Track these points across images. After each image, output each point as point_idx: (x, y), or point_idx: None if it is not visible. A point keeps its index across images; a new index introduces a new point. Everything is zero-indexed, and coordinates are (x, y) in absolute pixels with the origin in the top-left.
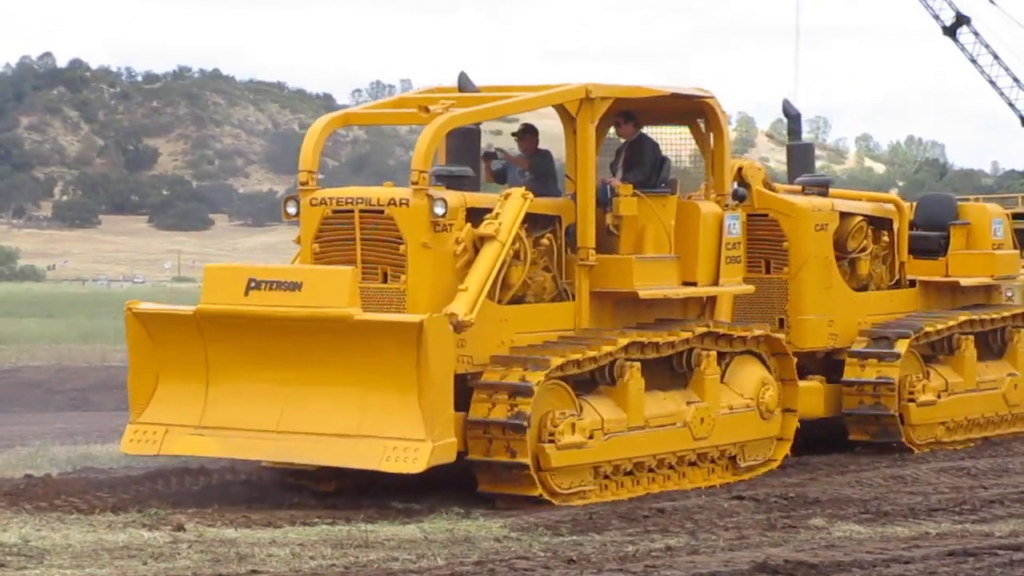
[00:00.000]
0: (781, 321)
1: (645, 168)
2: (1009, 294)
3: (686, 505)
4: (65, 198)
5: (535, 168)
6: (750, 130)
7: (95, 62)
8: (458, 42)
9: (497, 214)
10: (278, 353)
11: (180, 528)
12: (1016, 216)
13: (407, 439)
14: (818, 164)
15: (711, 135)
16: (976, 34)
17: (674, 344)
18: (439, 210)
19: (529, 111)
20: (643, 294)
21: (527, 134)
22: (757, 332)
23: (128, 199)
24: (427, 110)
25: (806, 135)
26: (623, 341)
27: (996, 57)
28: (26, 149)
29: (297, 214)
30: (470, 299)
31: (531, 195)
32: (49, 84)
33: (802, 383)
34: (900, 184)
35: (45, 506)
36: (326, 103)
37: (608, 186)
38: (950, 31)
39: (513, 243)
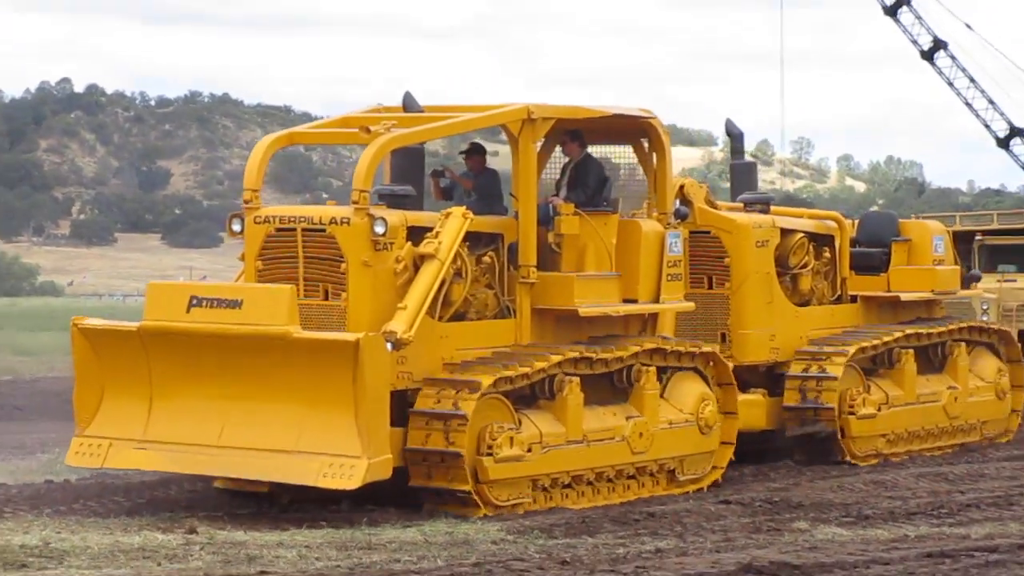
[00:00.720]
0: (723, 336)
1: (589, 188)
2: (985, 307)
3: (675, 509)
4: (82, 217)
5: (480, 187)
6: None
7: (110, 87)
8: (456, 66)
9: (437, 233)
10: (219, 369)
11: (192, 531)
12: (988, 232)
13: (343, 455)
14: (799, 184)
15: (654, 155)
16: (953, 58)
17: (611, 361)
18: (379, 229)
19: (470, 131)
20: (583, 312)
21: (474, 153)
22: (692, 348)
23: (142, 218)
24: (368, 130)
25: (789, 154)
26: (555, 358)
27: (972, 80)
28: (45, 170)
29: (242, 231)
30: (409, 317)
31: (471, 214)
32: (67, 108)
33: (744, 396)
34: (880, 202)
35: (64, 510)
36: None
37: (551, 205)
38: (928, 55)
39: (454, 261)
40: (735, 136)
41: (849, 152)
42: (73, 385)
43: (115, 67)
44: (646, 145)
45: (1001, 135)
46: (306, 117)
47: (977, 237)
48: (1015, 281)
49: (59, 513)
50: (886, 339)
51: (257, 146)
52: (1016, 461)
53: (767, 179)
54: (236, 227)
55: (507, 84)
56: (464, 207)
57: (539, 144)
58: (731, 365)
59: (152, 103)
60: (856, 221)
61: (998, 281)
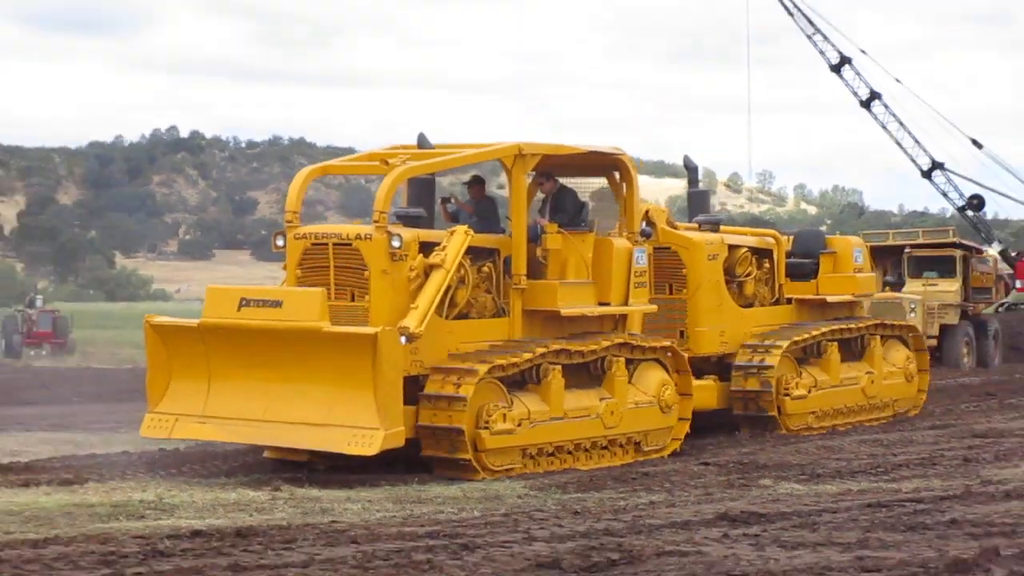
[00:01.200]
0: (682, 332)
1: (568, 212)
2: (912, 306)
3: (664, 470)
4: (187, 237)
5: (480, 211)
6: (712, 181)
7: (209, 132)
8: (486, 113)
9: (444, 247)
10: (264, 357)
11: (277, 489)
12: (915, 246)
13: (364, 427)
14: (763, 208)
15: (624, 184)
16: (886, 106)
17: (587, 353)
18: (396, 243)
19: (471, 164)
20: (564, 312)
21: (475, 183)
22: (654, 343)
23: (235, 238)
24: (387, 163)
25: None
26: (540, 350)
27: (901, 124)
28: (157, 200)
29: (284, 246)
30: (419, 315)
31: (472, 232)
32: (174, 150)
33: (699, 382)
34: (828, 222)
35: (174, 472)
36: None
37: (539, 225)
38: (865, 104)
39: (458, 270)
40: (691, 169)
41: (803, 181)
42: (146, 371)
43: (213, 117)
44: (617, 177)
45: (925, 168)
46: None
47: (906, 250)
48: (936, 285)
49: (170, 475)
50: (814, 333)
51: (297, 176)
52: (939, 430)
53: (737, 204)
54: (280, 242)
55: (529, 128)
56: (466, 226)
57: (531, 176)
58: (688, 356)
59: (243, 145)
60: (791, 237)
61: (923, 285)
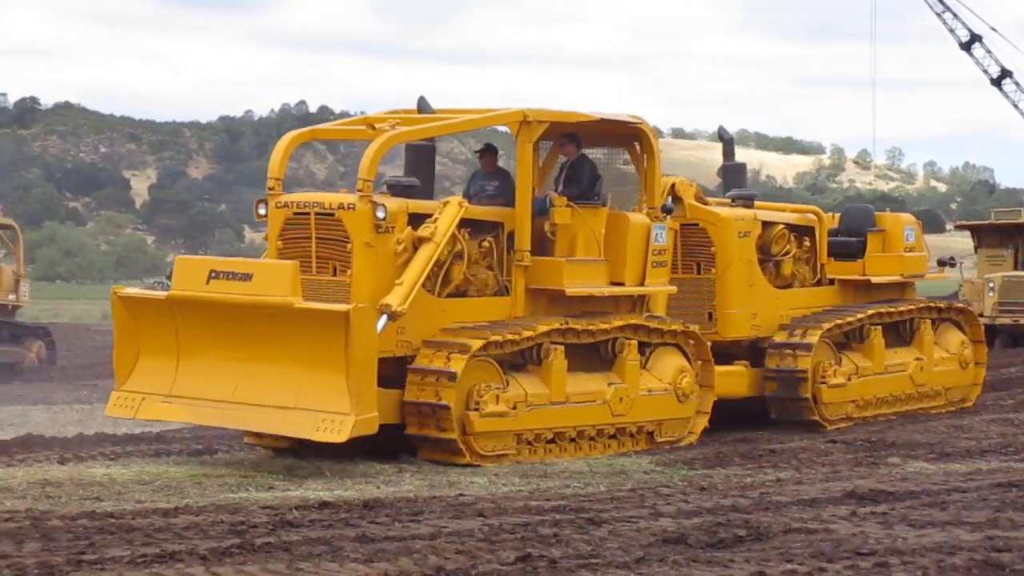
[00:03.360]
0: (710, 314)
1: (582, 184)
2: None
3: (791, 447)
4: None
5: (501, 186)
6: (840, 158)
7: (337, 107)
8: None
9: (436, 219)
10: (234, 334)
11: (405, 461)
12: None
13: (334, 412)
14: (892, 185)
15: (644, 156)
16: (1017, 84)
17: (592, 332)
18: (380, 214)
19: (467, 131)
20: (569, 291)
21: (487, 153)
22: (672, 326)
23: None
24: (373, 127)
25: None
26: (540, 328)
27: None
28: (287, 175)
29: (266, 215)
30: (404, 292)
31: (466, 203)
32: (302, 124)
33: (727, 367)
34: (958, 200)
35: (303, 443)
36: (511, 139)
37: (548, 198)
38: (996, 82)
39: (453, 244)
40: (726, 140)
41: (933, 159)
42: (113, 346)
43: (341, 92)
44: (638, 147)
45: None
46: (493, 132)
47: None
48: None
49: (298, 446)
50: (852, 318)
51: (281, 140)
52: None
53: (865, 181)
54: (261, 211)
55: (648, 104)
56: (460, 197)
57: (541, 145)
58: (717, 340)
59: None
60: (838, 214)
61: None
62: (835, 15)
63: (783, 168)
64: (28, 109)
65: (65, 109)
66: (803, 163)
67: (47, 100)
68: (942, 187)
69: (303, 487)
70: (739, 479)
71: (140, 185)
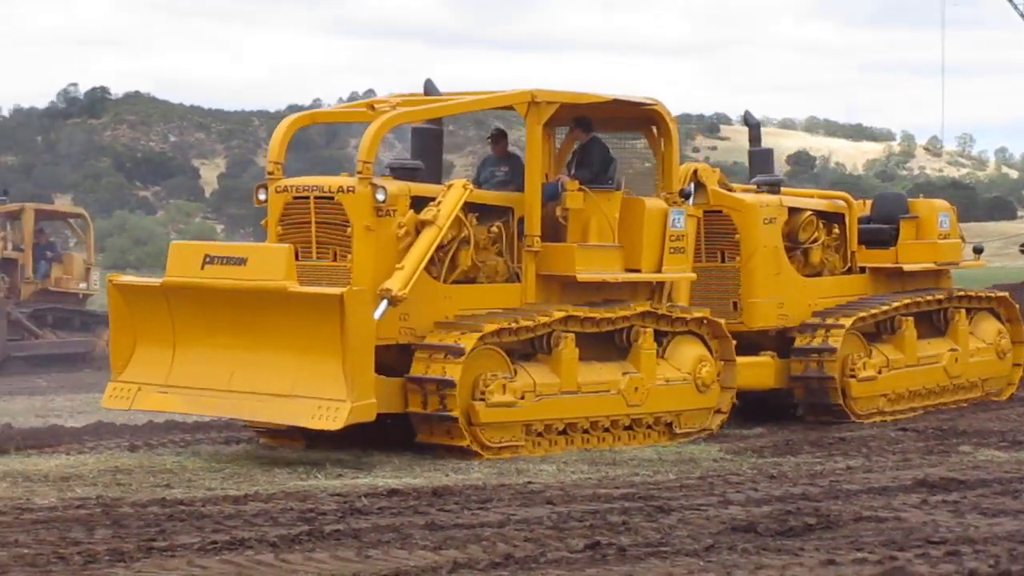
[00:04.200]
0: (735, 304)
1: (594, 167)
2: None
3: (861, 435)
4: None
5: (510, 168)
6: (910, 144)
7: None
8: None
9: (439, 202)
10: (229, 321)
11: (472, 449)
12: None
13: (330, 399)
14: (963, 171)
15: (662, 140)
16: None
17: (601, 321)
18: (380, 196)
19: (471, 112)
20: (580, 277)
21: (498, 138)
22: (686, 313)
23: None
24: (373, 108)
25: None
26: (550, 316)
27: None
28: (354, 163)
29: (266, 200)
30: (405, 276)
31: (472, 186)
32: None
33: (753, 358)
34: None
35: (373, 430)
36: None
37: (559, 182)
38: None
39: (459, 229)
40: (752, 126)
41: (1005, 145)
42: (109, 335)
43: (410, 80)
44: (655, 131)
45: None
46: None
47: None
48: None
49: (368, 434)
50: (884, 308)
51: (280, 124)
52: None
53: (936, 167)
54: (262, 196)
55: (719, 90)
56: (465, 180)
57: (558, 131)
58: (742, 330)
59: None
60: (871, 200)
61: None
62: (905, 0)
63: (853, 155)
64: (98, 99)
65: (135, 99)
66: (873, 150)
67: (117, 90)
68: (1014, 174)
69: (372, 474)
70: (809, 467)
71: (209, 174)
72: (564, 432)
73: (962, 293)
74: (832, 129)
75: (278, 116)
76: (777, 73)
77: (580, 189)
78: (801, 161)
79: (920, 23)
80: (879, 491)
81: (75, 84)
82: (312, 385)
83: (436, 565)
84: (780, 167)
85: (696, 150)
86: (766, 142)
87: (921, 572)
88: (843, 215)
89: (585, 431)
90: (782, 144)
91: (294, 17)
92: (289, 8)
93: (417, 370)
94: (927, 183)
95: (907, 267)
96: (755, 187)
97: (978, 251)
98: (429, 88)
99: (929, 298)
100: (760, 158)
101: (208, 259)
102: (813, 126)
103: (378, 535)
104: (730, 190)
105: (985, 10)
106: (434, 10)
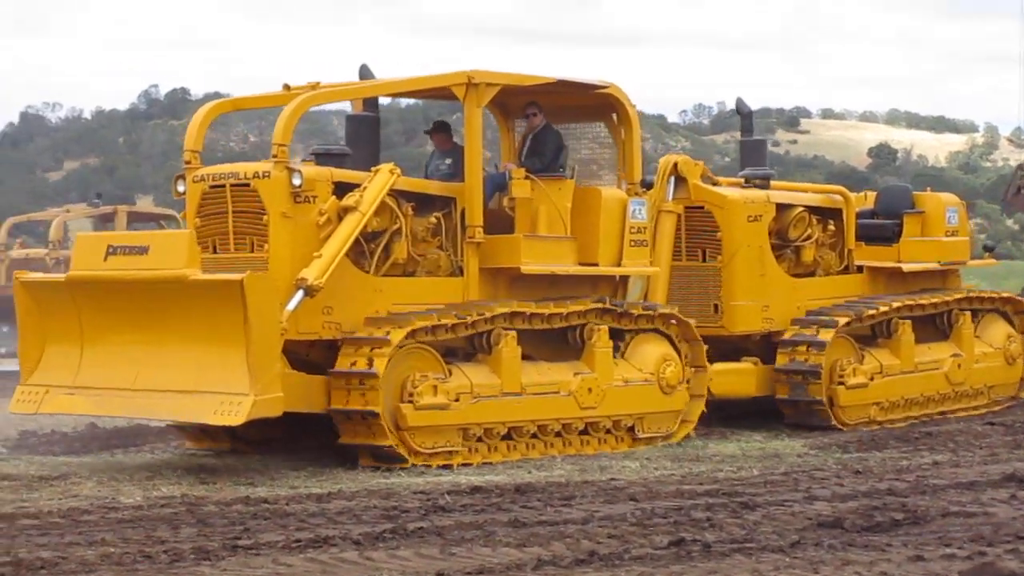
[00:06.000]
0: (716, 306)
1: (545, 156)
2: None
3: (948, 430)
4: None
5: (455, 162)
6: (994, 135)
7: None
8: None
9: (364, 188)
10: (133, 315)
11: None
12: None
13: (232, 393)
14: None
15: (622, 128)
16: None
17: (560, 316)
18: (296, 181)
19: (399, 94)
20: (525, 269)
21: (438, 130)
22: (647, 310)
23: None
24: (288, 88)
25: None
26: (501, 309)
27: None
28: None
29: (185, 192)
30: (323, 265)
31: (399, 171)
32: (450, 111)
33: (732, 364)
34: None
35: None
36: (660, 122)
37: (507, 171)
38: None
39: (391, 220)
40: (744, 115)
41: None
42: (18, 337)
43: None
44: (616, 119)
45: None
46: (640, 115)
47: None
48: None
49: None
50: (875, 311)
51: (198, 111)
52: None
53: (1019, 158)
54: (180, 188)
55: (798, 84)
56: (392, 164)
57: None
58: (724, 335)
59: None
60: (875, 194)
61: None
62: None
63: (935, 147)
64: (179, 100)
65: (215, 99)
66: (956, 142)
67: (197, 91)
68: None
69: (454, 472)
70: (895, 462)
71: None
72: (508, 437)
73: (964, 294)
74: (914, 121)
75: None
76: (856, 66)
77: (527, 177)
78: (882, 154)
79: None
80: (967, 486)
81: (155, 86)
82: (215, 379)
83: (520, 562)
84: (860, 161)
85: (776, 144)
86: (846, 135)
87: (1011, 568)
88: (840, 211)
89: (533, 435)
90: (864, 138)
91: (373, 16)
92: (361, 8)
93: (341, 365)
94: (1011, 175)
95: (907, 267)
96: (742, 181)
97: (988, 249)
98: (364, 74)
99: (925, 300)
100: (751, 149)
101: (111, 249)
102: (894, 118)
103: (461, 532)
104: (716, 184)
105: None
106: (512, 6)
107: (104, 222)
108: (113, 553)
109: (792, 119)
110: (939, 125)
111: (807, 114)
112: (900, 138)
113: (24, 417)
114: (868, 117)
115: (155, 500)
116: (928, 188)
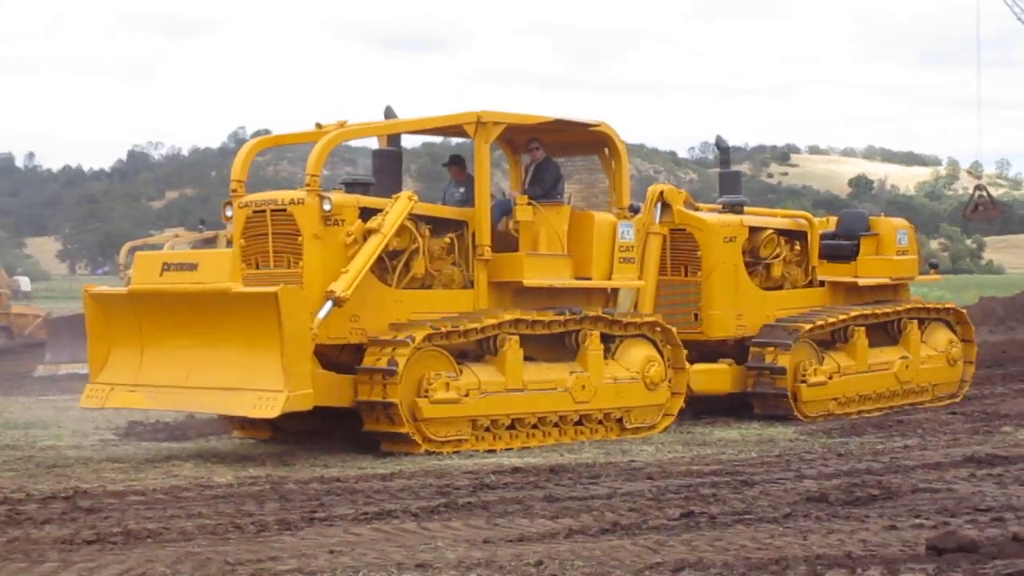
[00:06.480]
0: (696, 315)
1: (545, 184)
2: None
3: (917, 419)
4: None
5: (468, 190)
6: (955, 168)
7: None
8: (755, 117)
9: (386, 212)
10: (185, 322)
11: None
12: None
13: (269, 390)
14: (1000, 191)
15: (612, 160)
16: None
17: (558, 323)
18: (326, 206)
19: (417, 132)
20: (527, 283)
21: (454, 163)
22: (636, 319)
23: None
24: (320, 126)
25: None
26: (507, 316)
27: None
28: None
29: (232, 217)
30: (349, 279)
31: (416, 197)
32: (494, 149)
33: (710, 365)
34: None
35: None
36: (672, 156)
37: (512, 198)
38: None
39: (410, 239)
40: (723, 149)
41: None
42: (87, 341)
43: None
44: (607, 152)
45: None
46: (654, 152)
47: None
48: None
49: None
50: (834, 319)
51: (243, 147)
52: None
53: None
54: (228, 213)
55: (784, 125)
56: (410, 192)
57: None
58: (703, 339)
59: None
60: (834, 218)
61: None
62: (949, 43)
63: (906, 178)
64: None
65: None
66: (923, 174)
67: (280, 130)
68: None
69: (499, 455)
70: (872, 446)
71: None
72: (512, 427)
73: (915, 305)
74: (888, 156)
75: (414, 152)
76: (839, 108)
77: (529, 203)
78: (861, 184)
79: (965, 64)
80: (933, 466)
81: (243, 127)
82: (255, 378)
83: (554, 531)
84: (842, 190)
85: (770, 175)
86: (830, 167)
87: (971, 536)
88: (805, 233)
89: (533, 426)
90: (845, 170)
91: (429, 67)
92: (424, 60)
93: (367, 362)
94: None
95: (862, 281)
96: (719, 207)
97: (933, 266)
98: (388, 113)
99: (878, 310)
100: (729, 179)
101: (166, 266)
102: (871, 153)
103: (504, 506)
104: (697, 209)
105: (1018, 53)
106: (551, 59)
107: (207, 244)
108: (208, 524)
109: (784, 154)
110: (909, 159)
111: (796, 150)
112: (876, 170)
113: (133, 409)
114: (849, 152)
115: (243, 479)
116: (883, 214)
